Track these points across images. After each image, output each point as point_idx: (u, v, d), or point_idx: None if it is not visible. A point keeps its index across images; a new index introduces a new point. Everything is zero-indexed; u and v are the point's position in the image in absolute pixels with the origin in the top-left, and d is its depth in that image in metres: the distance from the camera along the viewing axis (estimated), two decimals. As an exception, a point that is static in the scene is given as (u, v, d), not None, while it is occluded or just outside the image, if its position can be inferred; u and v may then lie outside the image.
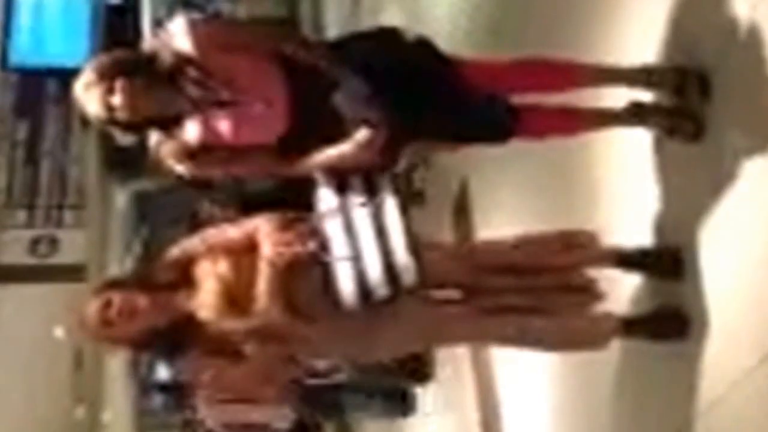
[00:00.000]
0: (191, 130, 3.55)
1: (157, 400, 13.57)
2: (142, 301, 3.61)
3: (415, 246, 3.54)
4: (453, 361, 6.91)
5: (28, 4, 14.34)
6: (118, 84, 3.43)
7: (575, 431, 4.97)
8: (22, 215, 13.17)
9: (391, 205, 3.55)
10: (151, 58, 3.52)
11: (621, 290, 3.94)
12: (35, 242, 12.84)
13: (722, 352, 3.40)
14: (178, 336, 3.64)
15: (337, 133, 3.54)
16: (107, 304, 3.61)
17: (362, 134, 3.50)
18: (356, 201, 3.58)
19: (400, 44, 3.66)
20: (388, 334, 3.70)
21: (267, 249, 3.60)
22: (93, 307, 3.63)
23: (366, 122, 3.49)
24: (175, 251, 3.74)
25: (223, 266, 3.62)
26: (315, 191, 3.68)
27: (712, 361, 3.46)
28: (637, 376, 4.07)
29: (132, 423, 14.37)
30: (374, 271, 3.51)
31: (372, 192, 3.58)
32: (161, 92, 3.50)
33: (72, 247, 12.76)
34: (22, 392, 11.69)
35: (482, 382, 6.55)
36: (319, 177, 3.64)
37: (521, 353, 4.36)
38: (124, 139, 3.76)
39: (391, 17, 8.45)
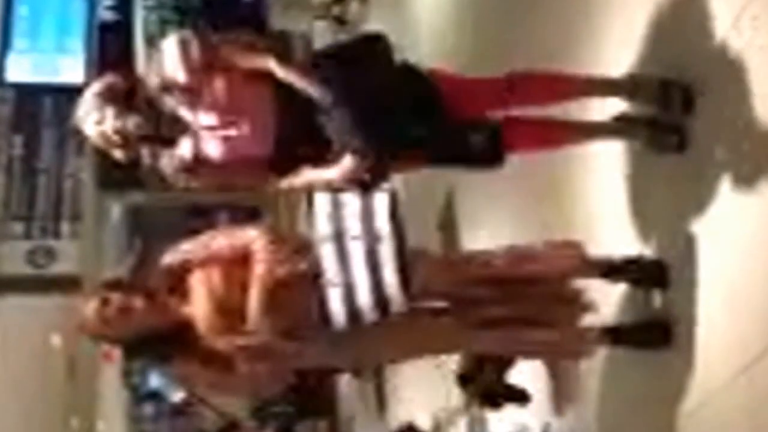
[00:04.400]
0: (184, 147, 3.66)
1: (149, 408, 13.67)
2: (138, 302, 3.62)
3: (406, 277, 3.53)
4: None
5: (24, 20, 14.45)
6: (109, 112, 3.56)
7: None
8: (19, 227, 13.27)
9: (386, 233, 3.56)
10: (140, 86, 3.61)
11: (607, 300, 3.97)
12: (32, 253, 12.95)
13: (706, 360, 3.44)
14: (170, 342, 3.67)
15: (323, 151, 3.60)
16: (105, 302, 3.62)
17: (348, 162, 3.56)
18: (352, 230, 3.58)
19: (387, 66, 3.67)
20: (376, 346, 3.77)
21: (260, 266, 3.59)
22: (91, 305, 3.64)
23: (352, 150, 3.56)
24: (169, 257, 3.73)
25: (215, 279, 3.62)
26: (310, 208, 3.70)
27: (696, 368, 3.49)
28: (623, 382, 4.11)
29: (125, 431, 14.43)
30: (364, 296, 3.51)
31: (368, 212, 3.59)
32: (152, 117, 3.60)
33: (68, 257, 12.84)
34: (18, 402, 11.69)
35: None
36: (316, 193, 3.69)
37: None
38: (121, 157, 3.82)
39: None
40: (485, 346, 3.93)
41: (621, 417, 4.19)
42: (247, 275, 3.60)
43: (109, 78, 3.69)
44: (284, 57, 3.60)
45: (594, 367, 4.11)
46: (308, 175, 3.67)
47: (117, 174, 14.48)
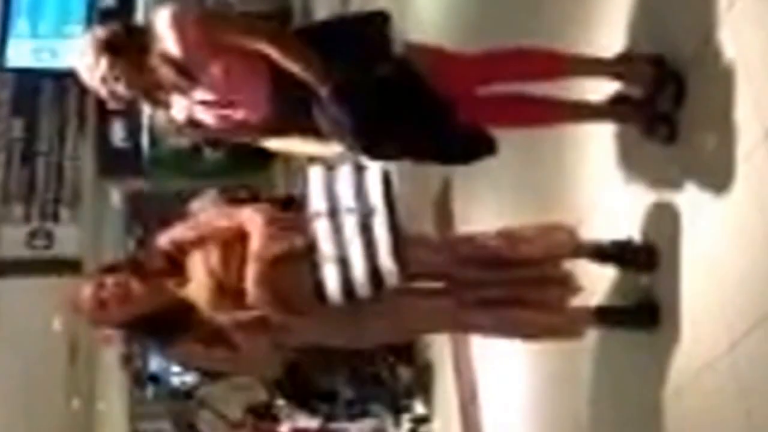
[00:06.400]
0: (178, 111, 3.69)
1: (149, 391, 13.74)
2: (135, 285, 3.65)
3: (400, 250, 3.56)
4: (432, 348, 7.01)
5: (25, 5, 14.47)
6: (103, 61, 3.58)
7: (553, 415, 5.13)
8: (18, 210, 13.32)
9: (379, 207, 3.59)
10: (142, 38, 3.59)
11: (596, 282, 4.03)
12: (32, 235, 13.01)
13: (693, 340, 3.51)
14: (169, 322, 3.68)
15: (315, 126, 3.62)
16: (101, 285, 3.65)
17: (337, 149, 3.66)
18: (345, 205, 3.61)
19: (384, 61, 3.61)
20: (372, 324, 3.79)
21: (255, 242, 3.62)
22: (87, 289, 3.68)
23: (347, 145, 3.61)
24: (165, 238, 3.76)
25: (213, 258, 3.65)
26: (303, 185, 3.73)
27: (683, 348, 3.56)
28: (612, 361, 4.18)
29: (125, 412, 14.54)
30: (359, 271, 3.53)
31: (362, 186, 3.63)
32: (144, 71, 3.58)
33: (67, 241, 12.90)
34: (18, 383, 11.74)
35: (461, 367, 6.73)
36: (309, 173, 3.71)
37: (500, 341, 4.46)
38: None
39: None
40: (479, 327, 3.99)
41: (610, 397, 4.26)
42: (245, 253, 3.64)
43: (114, 28, 3.69)
44: (283, 40, 3.58)
45: (583, 347, 4.17)
46: (298, 145, 3.79)
47: (117, 159, 14.59)
